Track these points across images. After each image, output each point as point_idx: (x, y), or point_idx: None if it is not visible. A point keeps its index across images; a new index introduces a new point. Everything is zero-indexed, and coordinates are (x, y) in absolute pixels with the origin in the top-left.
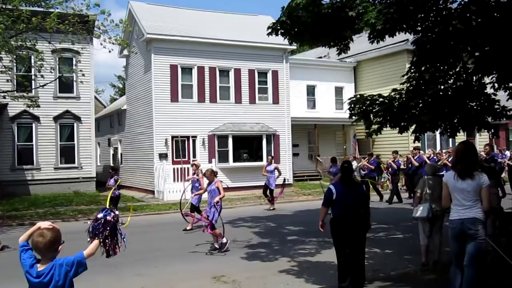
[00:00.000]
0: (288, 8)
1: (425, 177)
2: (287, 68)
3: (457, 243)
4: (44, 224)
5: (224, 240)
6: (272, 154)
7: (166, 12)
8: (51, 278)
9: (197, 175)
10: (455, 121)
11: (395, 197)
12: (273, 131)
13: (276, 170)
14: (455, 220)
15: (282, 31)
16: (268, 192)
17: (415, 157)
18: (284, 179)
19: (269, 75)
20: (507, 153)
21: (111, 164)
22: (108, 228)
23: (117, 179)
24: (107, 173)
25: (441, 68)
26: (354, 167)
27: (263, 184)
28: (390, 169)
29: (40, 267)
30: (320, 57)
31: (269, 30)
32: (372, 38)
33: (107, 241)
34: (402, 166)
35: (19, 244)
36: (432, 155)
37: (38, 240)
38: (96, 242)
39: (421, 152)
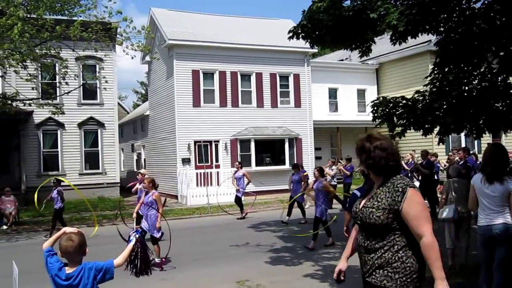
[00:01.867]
0: (308, 11)
1: (450, 179)
2: (309, 71)
3: (486, 249)
4: (69, 229)
5: (158, 260)
6: (295, 158)
7: (187, 18)
8: (80, 280)
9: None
10: (481, 122)
11: None
12: (295, 135)
13: (244, 177)
14: (483, 227)
15: (303, 34)
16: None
17: (423, 162)
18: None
19: (291, 79)
20: None
21: (135, 170)
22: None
23: (60, 190)
24: (131, 178)
25: (465, 68)
26: (333, 172)
27: (286, 188)
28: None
29: (68, 270)
30: (342, 60)
31: (290, 34)
32: (394, 40)
33: (137, 262)
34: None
35: (44, 249)
36: (410, 159)
37: (68, 244)
38: (125, 254)
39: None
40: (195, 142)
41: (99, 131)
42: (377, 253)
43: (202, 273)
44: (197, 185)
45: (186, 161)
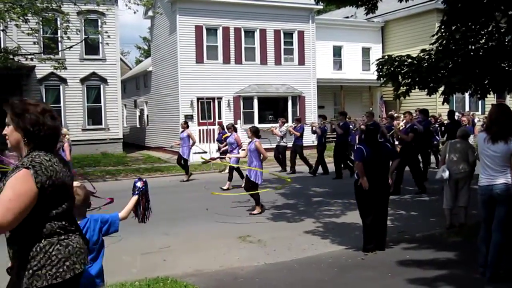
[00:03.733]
0: None
1: (450, 141)
2: (313, 28)
3: (486, 209)
4: (75, 183)
5: None
6: (298, 115)
7: None
8: (86, 231)
9: (63, 144)
10: (486, 82)
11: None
12: (298, 93)
13: (189, 138)
14: (484, 187)
15: None
16: (182, 162)
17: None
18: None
19: (295, 36)
20: None
21: (138, 126)
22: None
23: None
24: (134, 134)
25: (473, 27)
26: (282, 133)
27: (289, 145)
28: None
29: None
30: (347, 17)
31: None
32: None
33: (141, 209)
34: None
35: None
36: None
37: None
38: (129, 207)
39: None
40: (198, 98)
41: (101, 86)
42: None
43: (204, 228)
44: (200, 141)
45: (188, 117)
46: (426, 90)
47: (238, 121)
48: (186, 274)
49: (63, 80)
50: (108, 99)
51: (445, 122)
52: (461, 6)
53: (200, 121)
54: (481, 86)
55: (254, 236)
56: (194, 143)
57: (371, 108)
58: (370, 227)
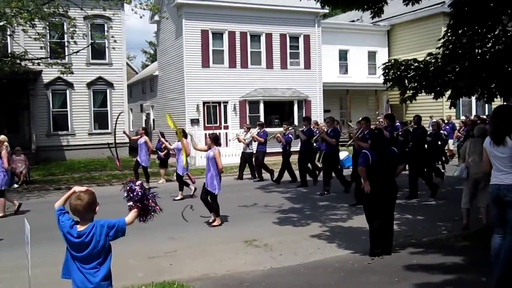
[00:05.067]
0: None
1: (470, 140)
2: (319, 32)
3: (496, 209)
4: (79, 188)
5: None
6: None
7: None
8: (92, 237)
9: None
10: (493, 86)
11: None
12: (304, 97)
13: (146, 144)
14: (492, 185)
15: None
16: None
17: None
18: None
19: (301, 40)
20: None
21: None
22: (141, 197)
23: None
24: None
25: (479, 31)
26: (248, 140)
27: (296, 149)
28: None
29: (80, 228)
30: (353, 21)
31: None
32: (407, 0)
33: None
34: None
35: (56, 208)
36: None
37: (77, 203)
38: (135, 212)
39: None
40: (204, 103)
41: (108, 91)
42: None
43: (210, 233)
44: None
45: (195, 121)
46: (432, 94)
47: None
48: (192, 279)
49: (70, 85)
50: (114, 103)
51: (410, 128)
52: (467, 10)
53: (206, 125)
54: (488, 90)
55: (260, 240)
56: (151, 150)
57: (377, 112)
58: (377, 231)
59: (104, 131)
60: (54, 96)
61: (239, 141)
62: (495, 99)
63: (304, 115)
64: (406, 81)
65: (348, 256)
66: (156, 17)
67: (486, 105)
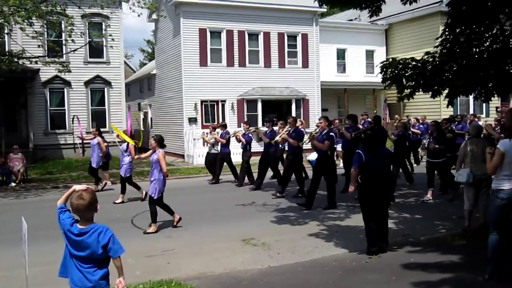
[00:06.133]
0: None
1: (468, 139)
2: (317, 31)
3: (505, 213)
4: (80, 187)
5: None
6: (302, 118)
7: None
8: (94, 238)
9: None
10: (490, 85)
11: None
12: (302, 96)
13: (99, 145)
14: (508, 190)
15: None
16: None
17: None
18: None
19: (299, 39)
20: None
21: (142, 128)
22: None
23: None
24: (137, 136)
25: (477, 30)
26: (212, 141)
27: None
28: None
29: (81, 226)
30: (351, 20)
31: None
32: None
33: None
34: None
35: (57, 206)
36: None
37: (79, 202)
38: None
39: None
40: (202, 101)
41: (105, 89)
42: None
43: (208, 231)
44: (204, 144)
45: (192, 120)
46: (430, 92)
47: (242, 124)
48: (190, 277)
49: (68, 83)
50: (112, 102)
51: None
52: (465, 9)
53: (204, 124)
54: (485, 89)
55: (258, 239)
56: (104, 152)
57: (375, 111)
58: (373, 229)
59: (101, 129)
60: (52, 95)
61: (204, 141)
62: (492, 98)
63: (302, 114)
64: (403, 80)
65: (345, 255)
66: (154, 16)
67: (484, 104)
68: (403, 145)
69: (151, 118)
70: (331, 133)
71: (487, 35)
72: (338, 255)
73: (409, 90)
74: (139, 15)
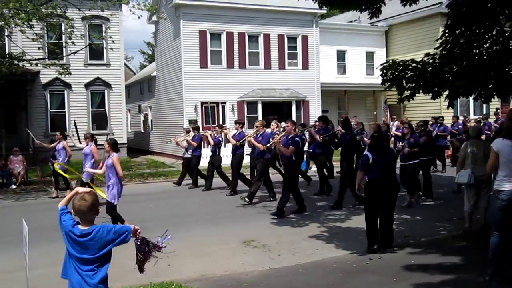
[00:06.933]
0: None
1: (468, 141)
2: (317, 33)
3: (506, 214)
4: (82, 189)
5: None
6: (302, 121)
7: None
8: (96, 240)
9: None
10: (490, 86)
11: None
12: (302, 97)
13: (65, 150)
14: (508, 191)
15: None
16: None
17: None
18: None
19: (299, 40)
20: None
21: (142, 131)
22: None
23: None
24: (138, 139)
25: (477, 31)
26: (185, 144)
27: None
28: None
29: (82, 227)
30: (351, 21)
31: None
32: (405, 1)
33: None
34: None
35: (59, 208)
36: (275, 129)
37: (81, 204)
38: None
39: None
40: (202, 103)
41: (106, 91)
42: None
43: (209, 233)
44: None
45: (193, 122)
46: (430, 94)
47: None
48: (190, 279)
49: (68, 85)
50: (112, 104)
51: (338, 132)
52: (465, 10)
53: (204, 125)
54: (485, 90)
55: (259, 240)
56: (70, 156)
57: (375, 113)
58: (373, 229)
59: (102, 132)
60: (52, 97)
61: (177, 144)
62: (492, 99)
63: (302, 115)
64: (404, 82)
65: (346, 257)
66: (154, 18)
67: (484, 105)
68: None
69: (152, 120)
70: (296, 138)
71: (487, 36)
72: (339, 256)
73: (409, 92)
74: (139, 17)
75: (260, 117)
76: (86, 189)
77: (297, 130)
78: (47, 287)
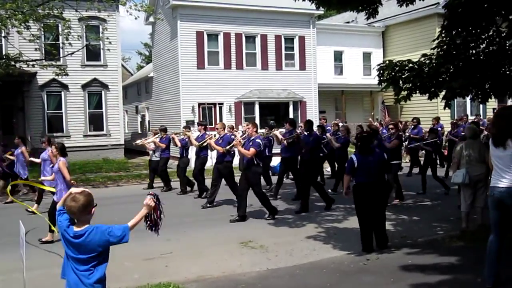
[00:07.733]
0: None
1: (463, 142)
2: (314, 33)
3: (496, 211)
4: (76, 190)
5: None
6: (299, 121)
7: None
8: (90, 241)
9: None
10: (487, 86)
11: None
12: (300, 98)
13: (23, 155)
14: (493, 187)
15: None
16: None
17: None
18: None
19: (296, 41)
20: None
21: (139, 131)
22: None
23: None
24: (135, 140)
25: (473, 32)
26: (152, 146)
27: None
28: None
29: (76, 228)
30: (348, 22)
31: None
32: (402, 1)
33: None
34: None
35: (57, 209)
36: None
37: (72, 205)
38: (142, 213)
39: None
40: (199, 104)
41: (103, 92)
42: None
43: (206, 234)
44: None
45: (190, 123)
46: (427, 94)
47: (240, 126)
48: (188, 280)
49: (65, 86)
50: (109, 105)
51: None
52: (461, 11)
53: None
54: (482, 91)
55: (256, 241)
56: (28, 160)
57: (372, 113)
58: (367, 231)
59: (99, 132)
60: (49, 98)
61: (144, 146)
62: (489, 100)
63: (299, 116)
64: (400, 82)
65: (343, 257)
66: (151, 19)
67: (481, 105)
68: (345, 150)
69: (149, 121)
70: (257, 140)
71: (483, 36)
72: (336, 257)
73: (406, 92)
74: (136, 18)
75: (257, 118)
76: (79, 189)
77: (263, 132)
78: None
